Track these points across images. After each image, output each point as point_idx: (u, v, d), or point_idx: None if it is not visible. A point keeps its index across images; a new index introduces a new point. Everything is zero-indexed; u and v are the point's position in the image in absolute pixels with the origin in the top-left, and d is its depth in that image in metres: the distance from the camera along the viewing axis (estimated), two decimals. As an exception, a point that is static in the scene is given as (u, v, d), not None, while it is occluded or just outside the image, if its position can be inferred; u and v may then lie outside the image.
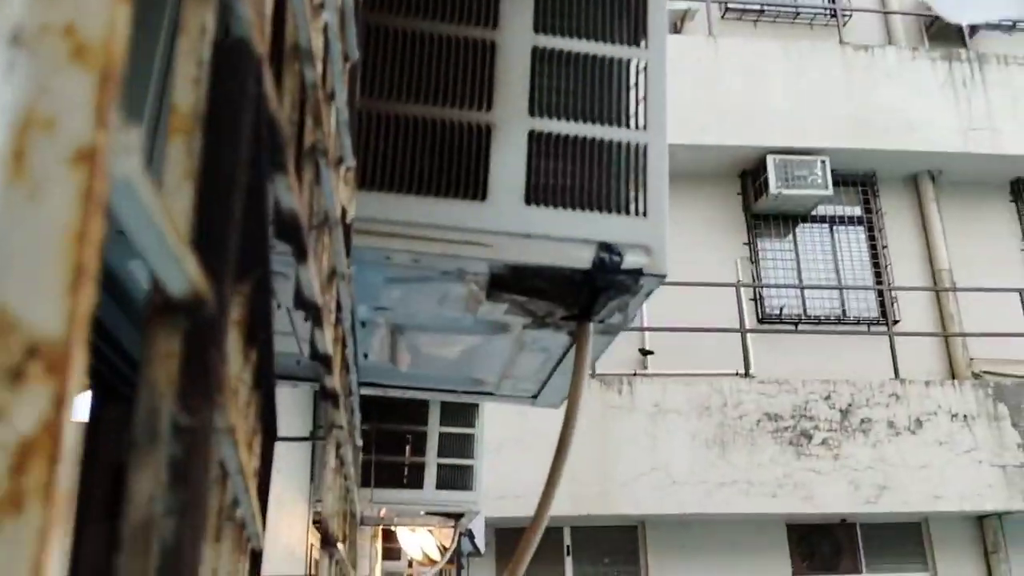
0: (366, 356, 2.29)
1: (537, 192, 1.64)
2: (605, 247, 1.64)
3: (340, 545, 1.70)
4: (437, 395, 2.52)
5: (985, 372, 9.61)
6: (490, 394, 2.50)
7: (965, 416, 9.07)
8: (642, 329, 9.85)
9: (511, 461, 7.61)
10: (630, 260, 1.66)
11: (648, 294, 1.76)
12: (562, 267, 1.64)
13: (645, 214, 1.67)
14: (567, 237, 1.64)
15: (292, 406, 3.58)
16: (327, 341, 1.14)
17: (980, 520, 9.31)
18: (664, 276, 1.68)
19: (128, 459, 0.44)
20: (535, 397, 2.49)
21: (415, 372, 2.35)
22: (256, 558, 1.20)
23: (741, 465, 8.61)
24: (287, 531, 2.52)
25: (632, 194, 1.66)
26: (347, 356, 1.61)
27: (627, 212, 1.66)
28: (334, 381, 1.30)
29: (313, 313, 1.04)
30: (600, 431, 8.71)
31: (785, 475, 8.63)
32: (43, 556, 0.25)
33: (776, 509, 8.60)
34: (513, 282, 1.70)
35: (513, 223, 1.63)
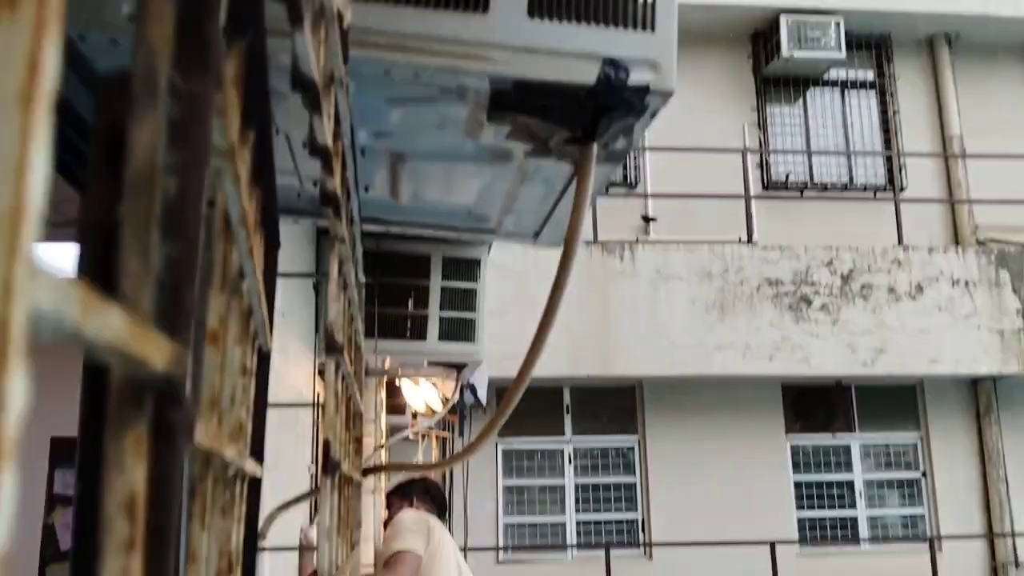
0: (367, 190, 2.29)
1: (540, 4, 1.59)
2: (611, 63, 1.60)
3: (347, 356, 1.73)
4: (439, 232, 2.52)
5: (990, 239, 9.61)
6: (492, 232, 2.50)
7: (966, 282, 9.13)
8: (645, 196, 9.81)
9: (513, 323, 7.70)
10: (636, 77, 1.62)
11: (654, 114, 1.73)
12: (566, 83, 1.61)
13: (653, 28, 1.62)
14: (571, 51, 1.60)
15: (294, 254, 3.60)
16: (325, 131, 1.13)
17: (974, 384, 9.51)
18: (671, 93, 1.64)
19: (128, 116, 0.44)
20: (537, 235, 2.49)
21: (416, 207, 2.35)
22: (263, 360, 1.22)
23: (740, 329, 8.74)
24: (293, 375, 2.58)
25: (639, 5, 1.61)
26: (347, 180, 1.60)
27: (634, 26, 1.61)
28: (334, 182, 1.30)
29: (311, 95, 1.02)
30: (601, 296, 8.80)
31: (783, 338, 8.76)
32: (38, 52, 0.25)
33: (773, 371, 8.78)
34: (515, 100, 1.67)
35: (515, 36, 1.58)
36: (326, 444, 1.43)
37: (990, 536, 9.25)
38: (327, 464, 1.42)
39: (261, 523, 2.17)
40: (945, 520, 9.30)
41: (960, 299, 9.07)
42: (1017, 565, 9.16)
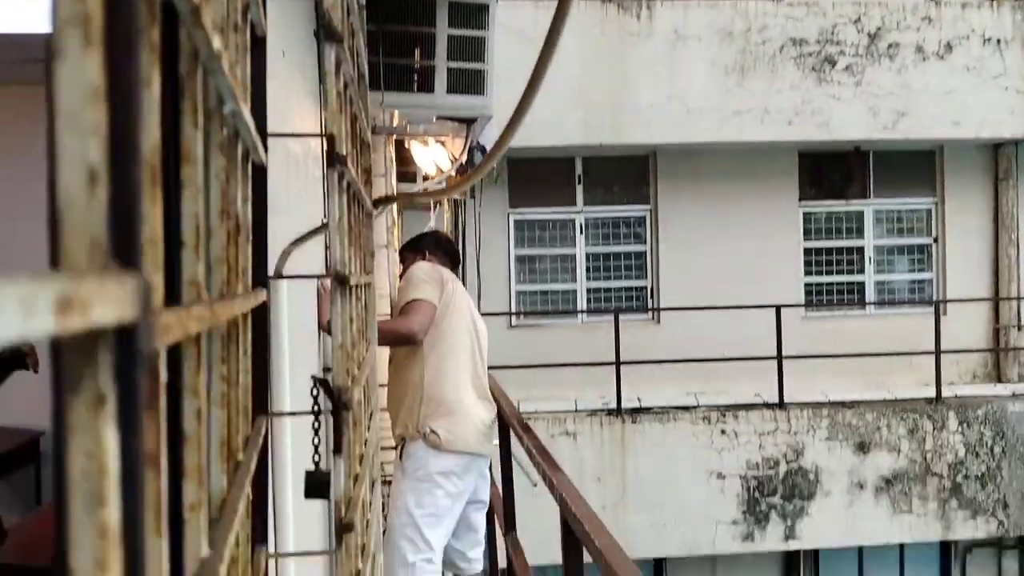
0: None
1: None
2: None
3: (350, 167, 1.58)
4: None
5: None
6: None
7: (998, 40, 8.69)
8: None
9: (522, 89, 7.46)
10: None
11: None
12: None
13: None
14: None
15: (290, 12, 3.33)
16: None
17: (995, 148, 9.29)
18: None
19: None
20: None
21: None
22: (260, 175, 1.07)
23: (759, 92, 8.44)
24: (297, 147, 2.43)
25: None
26: None
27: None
28: None
29: None
30: (615, 59, 8.44)
31: (804, 102, 8.48)
32: None
33: (791, 137, 8.57)
34: None
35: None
36: (330, 138, 1.32)
37: (995, 300, 9.39)
38: (332, 157, 1.32)
39: (275, 261, 2.12)
40: (953, 285, 9.41)
41: (990, 59, 8.67)
42: (1020, 328, 9.37)
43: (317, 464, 1.44)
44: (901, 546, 8.85)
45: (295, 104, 2.81)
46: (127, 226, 0.35)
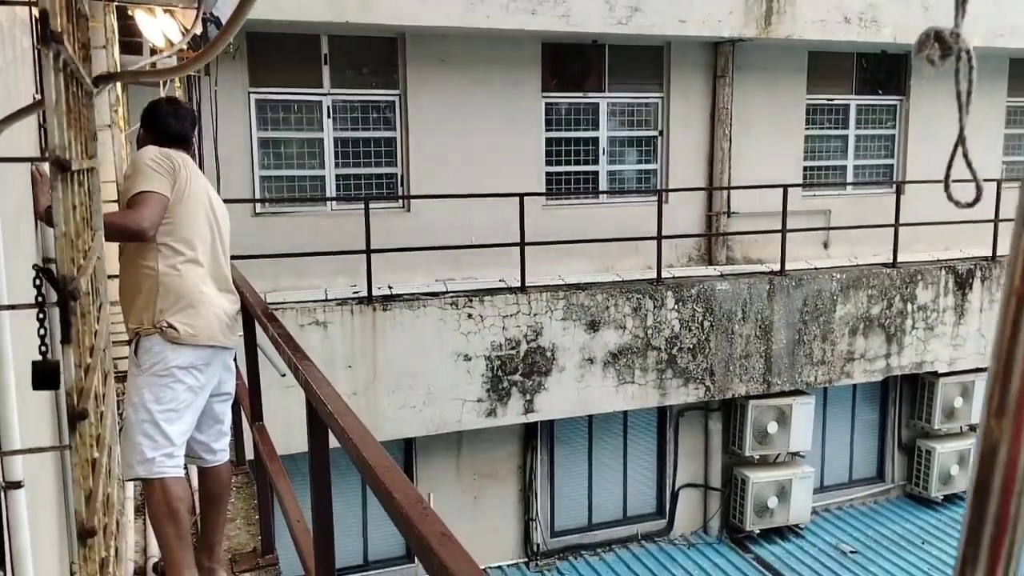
0: None
1: None
2: None
3: (67, 44, 1.44)
4: None
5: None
6: None
7: (722, -55, 9.29)
8: None
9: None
10: None
11: None
12: None
13: None
14: None
15: None
16: None
17: (715, 47, 10.07)
18: None
19: None
20: None
21: None
22: None
23: (505, -21, 8.51)
24: (1, 16, 2.14)
25: None
26: None
27: None
28: None
29: None
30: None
31: (547, -8, 8.66)
32: None
33: (534, 26, 8.76)
34: None
35: None
36: (43, 13, 1.21)
37: (709, 190, 10.36)
38: (46, 35, 1.21)
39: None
40: (674, 176, 10.25)
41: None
42: (728, 215, 10.44)
43: (44, 355, 1.36)
44: (625, 413, 9.84)
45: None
46: None
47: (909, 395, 11.23)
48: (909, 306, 9.93)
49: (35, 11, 1.50)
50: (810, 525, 10.39)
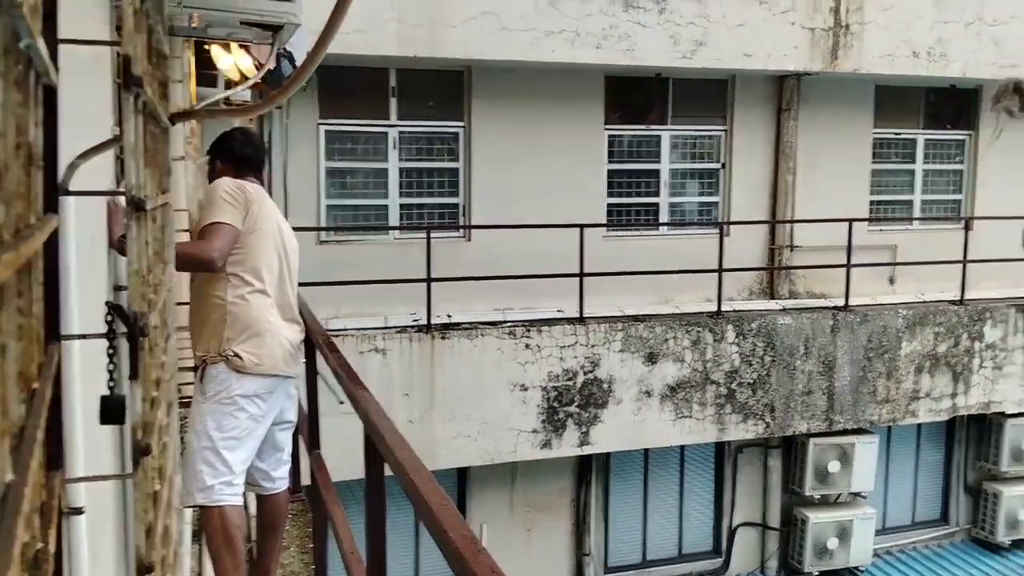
0: None
1: None
2: None
3: (147, 87, 1.51)
4: None
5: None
6: None
7: (788, -21, 9.25)
8: None
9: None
10: None
11: None
12: None
13: None
14: None
15: None
16: None
17: (780, 80, 9.99)
18: None
19: None
20: None
21: None
22: (49, 96, 1.01)
23: (571, 14, 8.59)
24: (86, 53, 2.24)
25: None
26: None
27: None
28: None
29: None
30: (430, -30, 8.29)
31: (611, 26, 8.72)
32: None
33: (598, 60, 8.82)
34: None
35: None
36: (126, 59, 1.28)
37: (772, 223, 10.23)
38: (128, 79, 1.28)
39: (61, 173, 2.00)
40: (736, 208, 10.16)
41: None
42: (792, 248, 10.29)
43: (112, 389, 1.42)
44: (682, 447, 9.70)
45: (79, 3, 2.60)
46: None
47: (976, 436, 10.86)
48: (977, 344, 9.63)
49: (118, 50, 1.57)
50: (871, 568, 10.07)
